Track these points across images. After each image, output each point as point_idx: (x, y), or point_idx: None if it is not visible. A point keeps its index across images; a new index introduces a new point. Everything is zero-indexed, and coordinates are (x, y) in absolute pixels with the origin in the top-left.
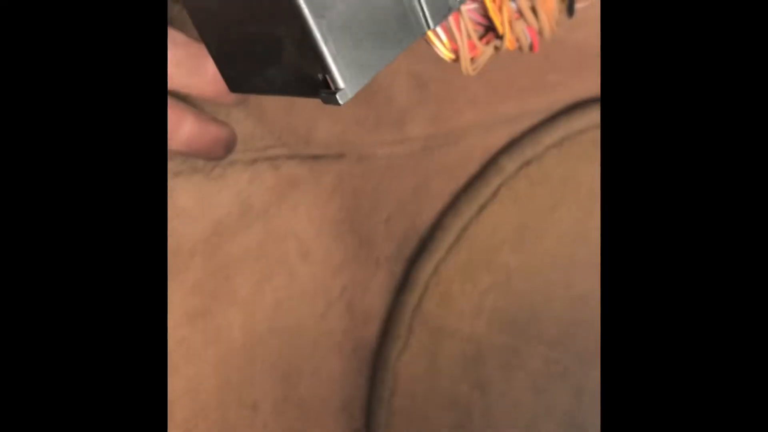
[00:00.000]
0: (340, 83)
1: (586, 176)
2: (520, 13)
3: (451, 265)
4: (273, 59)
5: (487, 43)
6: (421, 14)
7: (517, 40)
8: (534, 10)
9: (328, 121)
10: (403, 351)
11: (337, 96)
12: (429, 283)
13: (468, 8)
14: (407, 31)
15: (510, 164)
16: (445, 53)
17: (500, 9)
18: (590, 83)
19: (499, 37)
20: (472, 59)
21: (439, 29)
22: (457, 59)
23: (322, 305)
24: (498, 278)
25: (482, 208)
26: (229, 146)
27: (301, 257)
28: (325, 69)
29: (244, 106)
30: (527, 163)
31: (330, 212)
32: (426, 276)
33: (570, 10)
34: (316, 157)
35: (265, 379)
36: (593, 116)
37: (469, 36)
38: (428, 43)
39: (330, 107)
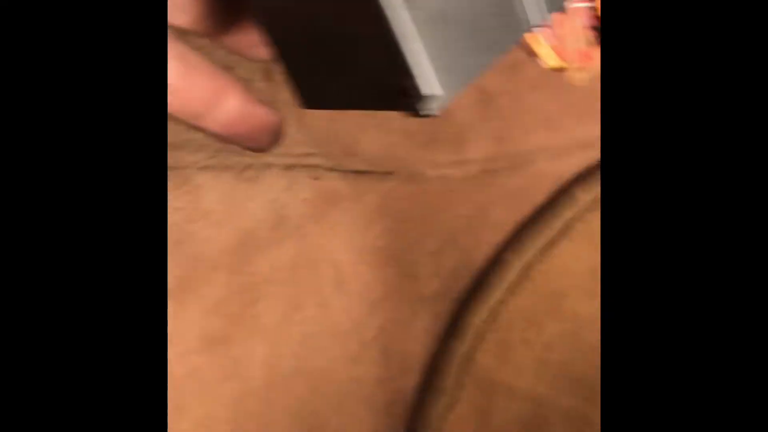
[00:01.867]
0: (430, 89)
1: None
2: None
3: (511, 308)
4: (349, 63)
5: None
6: (524, 9)
7: None
8: None
9: (377, 132)
10: (449, 409)
11: (429, 103)
12: (483, 329)
13: (579, 5)
14: (510, 28)
15: (585, 195)
16: (551, 59)
17: None
18: None
19: None
20: (583, 69)
21: (540, 32)
22: (563, 68)
23: (354, 346)
24: (566, 328)
25: (550, 244)
26: (276, 136)
27: (335, 286)
28: (408, 73)
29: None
30: None
31: (371, 237)
32: (479, 320)
33: None
34: (359, 173)
35: (284, 429)
36: None
37: (579, 41)
38: (528, 47)
39: (380, 118)
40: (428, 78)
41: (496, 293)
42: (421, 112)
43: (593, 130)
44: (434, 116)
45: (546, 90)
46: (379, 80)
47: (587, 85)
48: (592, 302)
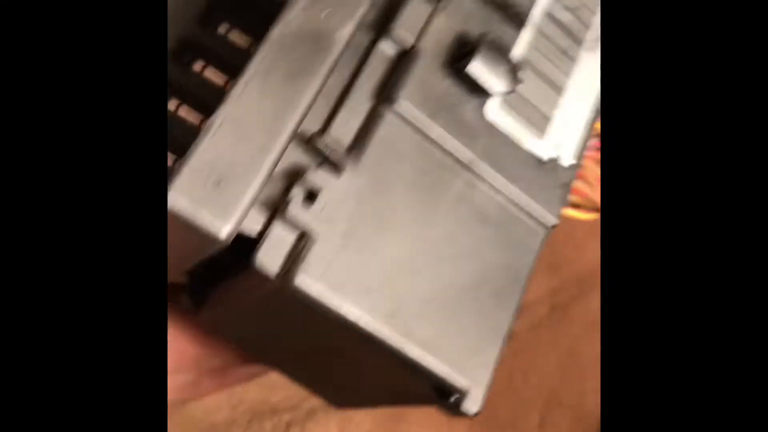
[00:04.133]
0: (461, 383)
1: None
2: None
3: None
4: (361, 373)
5: None
6: (529, 218)
7: None
8: None
9: None
10: None
11: (467, 404)
12: None
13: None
14: (519, 250)
15: None
16: (584, 216)
17: None
18: None
19: None
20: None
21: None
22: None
23: None
24: None
25: None
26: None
27: None
28: (428, 378)
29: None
30: None
31: None
32: None
33: None
34: None
35: None
36: None
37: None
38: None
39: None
40: (455, 367)
41: None
42: (461, 413)
43: None
44: (474, 414)
45: None
46: (397, 385)
47: None
48: None
